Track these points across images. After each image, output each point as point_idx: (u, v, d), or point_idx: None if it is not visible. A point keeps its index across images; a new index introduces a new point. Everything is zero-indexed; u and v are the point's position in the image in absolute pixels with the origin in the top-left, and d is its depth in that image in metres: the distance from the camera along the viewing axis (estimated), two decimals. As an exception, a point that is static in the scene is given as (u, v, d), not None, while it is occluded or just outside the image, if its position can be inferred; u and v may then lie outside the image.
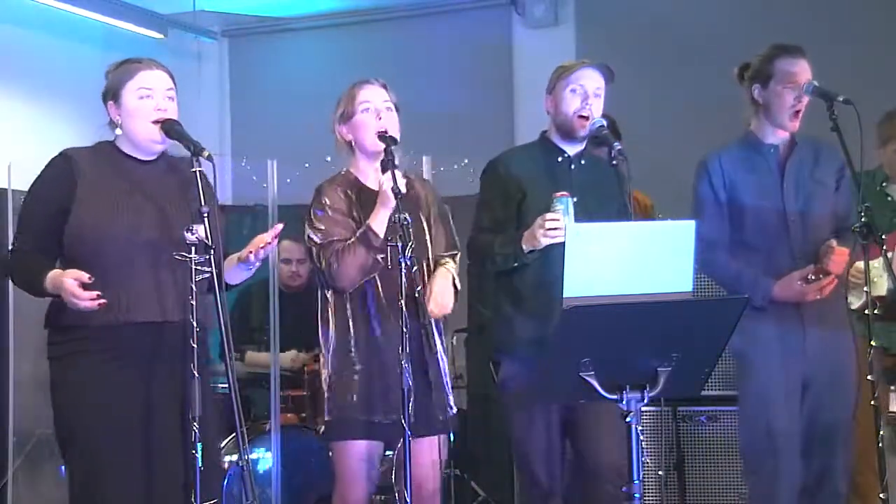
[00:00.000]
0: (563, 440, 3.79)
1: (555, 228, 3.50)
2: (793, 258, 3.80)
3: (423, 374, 3.58)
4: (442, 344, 3.65)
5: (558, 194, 3.58)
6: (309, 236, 3.62)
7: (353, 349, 3.59)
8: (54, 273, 3.13)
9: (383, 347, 3.55)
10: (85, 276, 3.06)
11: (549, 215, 3.54)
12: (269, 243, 3.23)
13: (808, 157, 3.88)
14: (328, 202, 3.63)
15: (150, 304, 3.22)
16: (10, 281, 3.37)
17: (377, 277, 3.58)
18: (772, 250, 3.82)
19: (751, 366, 3.82)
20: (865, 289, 3.62)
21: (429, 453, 3.60)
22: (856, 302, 4.05)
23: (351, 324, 3.60)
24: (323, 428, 3.66)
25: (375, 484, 3.69)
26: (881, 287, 4.05)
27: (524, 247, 3.62)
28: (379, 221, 3.50)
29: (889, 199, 4.48)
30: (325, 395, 3.63)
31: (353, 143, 3.69)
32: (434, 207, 3.79)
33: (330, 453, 3.71)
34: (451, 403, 3.70)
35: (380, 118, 3.61)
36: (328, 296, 3.64)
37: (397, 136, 3.60)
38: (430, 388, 3.59)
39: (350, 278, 3.52)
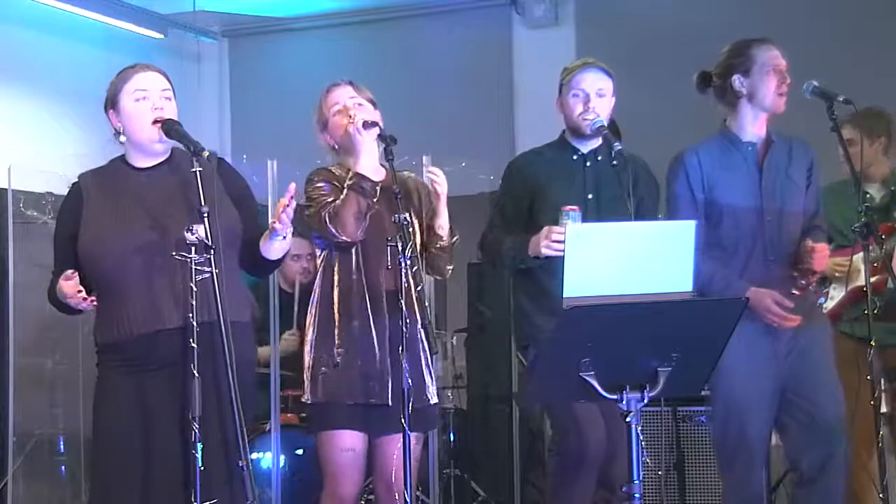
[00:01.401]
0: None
1: (558, 241, 3.58)
2: (766, 258, 3.78)
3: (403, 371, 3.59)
4: (428, 342, 3.60)
5: (566, 208, 3.64)
6: (303, 207, 3.64)
7: (335, 336, 3.59)
8: (59, 282, 3.19)
9: (364, 337, 3.57)
10: (69, 272, 3.13)
11: (555, 228, 3.65)
12: (289, 204, 3.24)
13: (783, 155, 3.87)
14: (317, 178, 3.69)
15: (155, 313, 3.23)
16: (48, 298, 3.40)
17: (362, 271, 3.59)
18: (746, 250, 3.80)
19: (721, 367, 3.79)
20: (865, 288, 3.63)
21: (398, 449, 3.59)
22: (830, 303, 4.10)
23: (336, 312, 3.60)
24: (305, 415, 3.67)
25: (363, 475, 3.68)
26: (859, 279, 4.09)
27: (530, 252, 3.75)
28: (361, 166, 3.58)
29: (867, 195, 4.49)
30: (307, 379, 3.63)
31: (336, 147, 3.75)
32: (426, 201, 3.79)
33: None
34: (431, 400, 3.68)
35: (350, 116, 3.65)
36: (315, 285, 3.68)
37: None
38: (410, 385, 3.57)
39: (350, 225, 3.53)
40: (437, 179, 3.60)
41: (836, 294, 4.30)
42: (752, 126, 3.86)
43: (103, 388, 3.31)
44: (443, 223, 3.67)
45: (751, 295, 3.63)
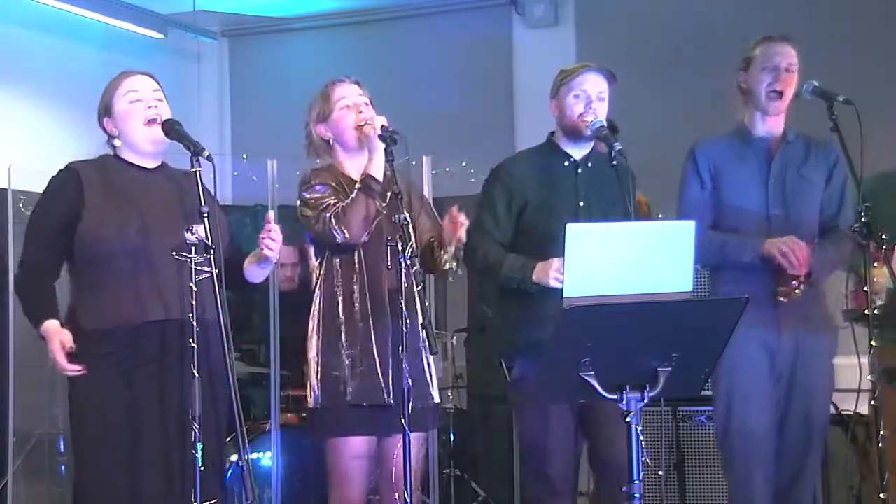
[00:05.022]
0: (577, 440, 3.79)
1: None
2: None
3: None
4: (428, 342, 3.54)
5: None
6: (303, 213, 3.62)
7: (342, 340, 3.57)
8: (49, 326, 3.26)
9: (369, 339, 3.56)
10: (69, 344, 3.21)
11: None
12: (271, 233, 3.30)
13: (799, 153, 3.87)
14: (317, 180, 3.66)
15: (156, 304, 3.26)
16: (13, 289, 3.46)
17: (364, 273, 3.59)
18: None
19: (724, 364, 3.77)
20: (865, 289, 3.62)
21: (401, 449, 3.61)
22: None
23: (340, 316, 3.59)
24: (309, 419, 3.65)
25: (372, 480, 3.68)
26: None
27: (534, 278, 3.65)
28: (375, 167, 3.56)
29: None
30: (315, 383, 3.60)
31: (333, 141, 3.72)
32: (415, 198, 3.80)
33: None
34: (434, 399, 3.69)
35: (360, 112, 3.66)
36: (316, 289, 3.65)
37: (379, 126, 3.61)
38: (412, 386, 3.55)
39: (357, 227, 3.52)
40: (462, 222, 3.54)
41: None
42: (763, 123, 3.87)
43: (88, 380, 3.27)
44: (447, 255, 3.64)
45: (766, 245, 3.69)
